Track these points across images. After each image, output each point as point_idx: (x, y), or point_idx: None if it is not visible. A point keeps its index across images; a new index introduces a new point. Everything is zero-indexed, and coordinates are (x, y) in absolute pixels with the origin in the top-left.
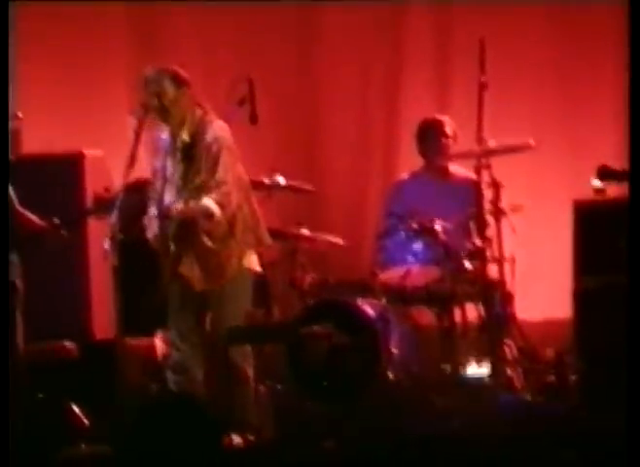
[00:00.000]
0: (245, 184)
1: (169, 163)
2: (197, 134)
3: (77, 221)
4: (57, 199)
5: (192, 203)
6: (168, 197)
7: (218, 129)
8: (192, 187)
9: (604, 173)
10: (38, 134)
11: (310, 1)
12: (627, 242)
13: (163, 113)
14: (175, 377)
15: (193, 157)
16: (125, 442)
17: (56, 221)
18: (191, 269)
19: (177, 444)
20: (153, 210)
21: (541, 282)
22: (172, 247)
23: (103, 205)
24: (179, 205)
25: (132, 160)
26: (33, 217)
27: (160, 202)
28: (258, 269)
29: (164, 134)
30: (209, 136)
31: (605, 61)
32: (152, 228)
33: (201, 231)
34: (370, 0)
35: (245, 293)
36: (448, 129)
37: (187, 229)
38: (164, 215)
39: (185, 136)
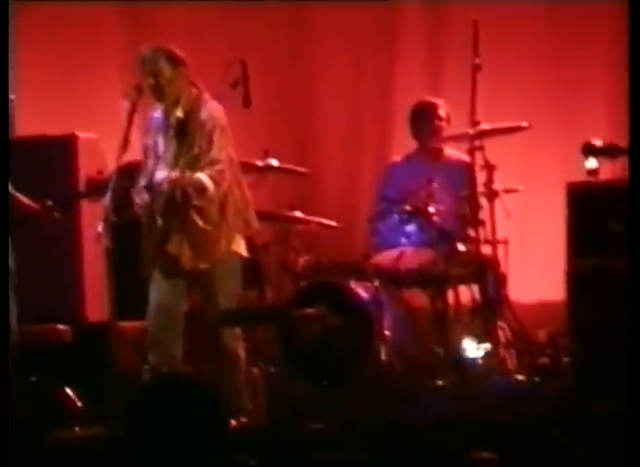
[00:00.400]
0: (236, 167)
1: (161, 141)
2: (192, 112)
3: (70, 203)
4: (50, 182)
5: (186, 174)
6: (160, 173)
7: (212, 109)
8: (184, 161)
9: (588, 149)
10: (31, 117)
11: None
12: (627, 224)
13: (159, 92)
14: (154, 355)
15: (186, 133)
16: (126, 422)
17: (49, 203)
18: (179, 247)
19: (181, 426)
20: (142, 182)
21: (534, 264)
22: (160, 221)
23: (96, 188)
24: (173, 174)
25: (125, 142)
26: (26, 199)
27: (150, 177)
28: (245, 254)
29: (157, 113)
30: (203, 114)
31: (598, 43)
32: (140, 198)
33: (192, 208)
34: None
35: (234, 275)
36: (442, 112)
37: (177, 204)
38: (155, 188)
39: (179, 113)
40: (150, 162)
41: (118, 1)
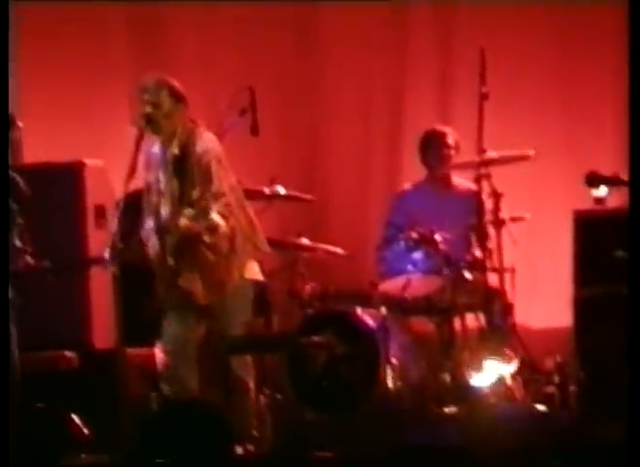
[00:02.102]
0: (239, 193)
1: (162, 176)
2: (187, 147)
3: (78, 268)
4: (58, 209)
5: (194, 218)
6: (164, 210)
7: (207, 141)
8: (188, 200)
9: (592, 179)
10: (39, 144)
11: (312, 1)
12: (628, 252)
13: (154, 123)
14: (170, 388)
15: (184, 170)
16: (135, 448)
17: (47, 264)
18: (192, 284)
19: (188, 451)
20: (150, 223)
21: (542, 291)
22: (171, 261)
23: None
24: (184, 221)
25: (132, 170)
26: (27, 257)
27: (157, 216)
28: (260, 277)
29: (155, 148)
30: (198, 148)
31: (606, 71)
32: (151, 242)
33: (203, 244)
34: (371, 8)
35: (247, 304)
36: (450, 140)
37: (189, 243)
38: (164, 229)
39: (174, 149)
40: (153, 199)
41: (129, 30)
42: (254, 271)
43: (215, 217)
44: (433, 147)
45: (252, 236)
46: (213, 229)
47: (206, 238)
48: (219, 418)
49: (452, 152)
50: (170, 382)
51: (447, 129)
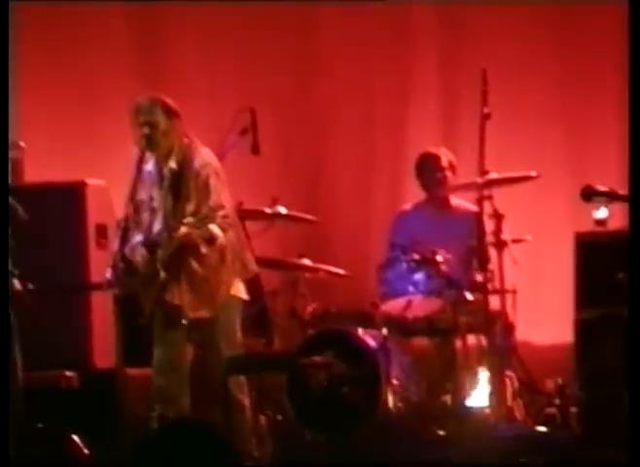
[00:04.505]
0: (233, 210)
1: (156, 194)
2: (185, 162)
3: (77, 291)
4: (59, 229)
5: (194, 227)
6: (156, 226)
7: (205, 155)
8: (182, 214)
9: (588, 193)
10: (40, 163)
11: (313, 7)
12: (628, 273)
13: (152, 143)
14: (162, 407)
15: (181, 185)
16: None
17: (30, 286)
18: (181, 297)
19: None
20: (138, 238)
21: (543, 312)
22: (162, 274)
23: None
24: (184, 229)
25: (134, 190)
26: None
27: (147, 232)
28: (245, 296)
29: (149, 166)
30: (197, 163)
31: (610, 91)
32: (138, 256)
33: (194, 257)
34: (375, 25)
35: (236, 321)
36: (444, 162)
37: (181, 256)
38: (156, 244)
39: (172, 165)
40: (145, 216)
41: (131, 48)
42: (240, 290)
43: (214, 228)
44: (427, 170)
45: (241, 255)
46: (210, 239)
47: (203, 249)
48: (220, 438)
49: (448, 173)
50: (162, 401)
51: (441, 151)
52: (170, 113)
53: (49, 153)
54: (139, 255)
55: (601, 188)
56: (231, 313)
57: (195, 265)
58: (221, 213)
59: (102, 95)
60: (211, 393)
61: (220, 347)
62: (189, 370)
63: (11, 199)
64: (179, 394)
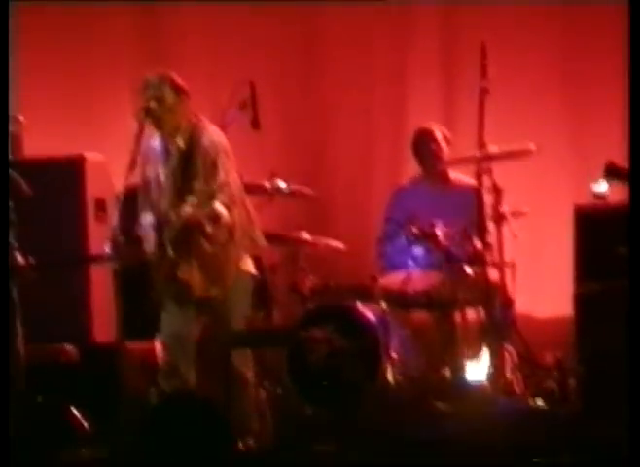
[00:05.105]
0: (240, 187)
1: (162, 171)
2: (193, 140)
3: (76, 265)
4: (58, 203)
5: (198, 207)
6: (164, 204)
7: (214, 134)
8: (190, 191)
9: (611, 171)
10: (39, 138)
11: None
12: (628, 247)
13: (158, 118)
14: (168, 383)
15: (189, 163)
16: (135, 442)
17: (32, 260)
18: (191, 275)
19: (187, 445)
20: (148, 218)
21: (543, 286)
22: (170, 252)
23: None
24: (187, 209)
25: (133, 163)
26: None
27: (156, 210)
28: (253, 272)
29: (155, 142)
30: (205, 141)
31: (608, 65)
32: (149, 238)
33: (202, 235)
34: (375, 6)
35: (246, 297)
36: (438, 135)
37: (188, 234)
38: (164, 222)
39: (180, 143)
40: (153, 193)
41: (131, 23)
42: (248, 265)
43: (218, 207)
44: (422, 145)
45: (250, 231)
46: (215, 218)
47: (208, 228)
48: (218, 413)
49: (442, 144)
50: (169, 377)
51: (434, 126)
52: (178, 90)
53: (48, 127)
54: (149, 236)
55: (624, 166)
56: (241, 290)
57: (203, 243)
58: (226, 191)
59: (101, 70)
60: (217, 369)
61: (228, 324)
62: (195, 347)
63: (15, 174)
64: (186, 370)
